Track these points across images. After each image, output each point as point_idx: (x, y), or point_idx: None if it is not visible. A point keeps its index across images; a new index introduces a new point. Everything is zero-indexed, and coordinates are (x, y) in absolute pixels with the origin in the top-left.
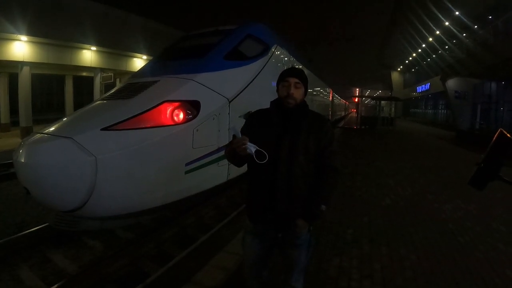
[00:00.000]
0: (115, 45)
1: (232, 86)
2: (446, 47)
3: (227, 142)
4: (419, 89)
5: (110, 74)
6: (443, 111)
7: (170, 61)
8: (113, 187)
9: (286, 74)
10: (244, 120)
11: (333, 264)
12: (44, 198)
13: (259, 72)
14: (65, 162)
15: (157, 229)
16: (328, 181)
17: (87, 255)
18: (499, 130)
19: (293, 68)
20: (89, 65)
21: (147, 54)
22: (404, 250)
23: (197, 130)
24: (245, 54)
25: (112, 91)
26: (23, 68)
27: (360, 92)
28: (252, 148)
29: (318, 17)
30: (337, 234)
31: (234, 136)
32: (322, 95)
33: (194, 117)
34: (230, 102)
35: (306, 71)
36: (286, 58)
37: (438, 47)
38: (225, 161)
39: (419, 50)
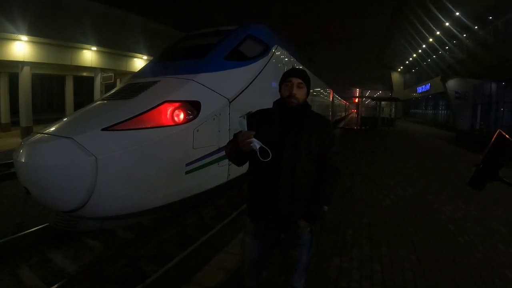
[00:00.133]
0: (116, 45)
1: (232, 87)
2: (446, 47)
3: (229, 141)
4: (419, 89)
5: (110, 74)
6: (443, 111)
7: (171, 61)
8: (113, 187)
9: (289, 74)
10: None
11: (333, 265)
12: (44, 198)
13: (259, 73)
14: (65, 162)
15: (157, 229)
16: (330, 181)
17: (87, 255)
18: (497, 131)
19: (296, 68)
20: (90, 65)
21: (148, 54)
22: (404, 250)
23: (197, 131)
24: (245, 54)
25: (113, 91)
26: (24, 68)
27: (360, 92)
28: (256, 144)
29: (318, 17)
30: (337, 234)
31: (236, 134)
32: (322, 96)
33: (195, 117)
34: (230, 102)
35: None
36: (286, 59)
37: (438, 47)
38: (226, 161)
39: (419, 51)
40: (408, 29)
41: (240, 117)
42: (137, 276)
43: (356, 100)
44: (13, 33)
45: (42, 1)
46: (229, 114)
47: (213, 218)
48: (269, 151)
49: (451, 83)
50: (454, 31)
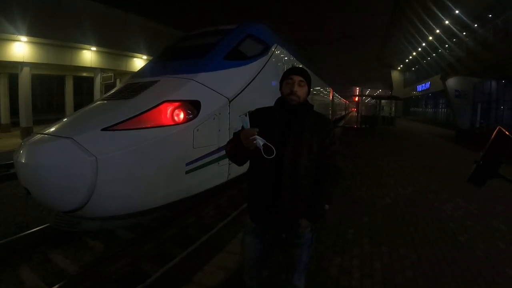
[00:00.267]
0: (115, 45)
1: (232, 86)
2: (446, 46)
3: (229, 140)
4: (419, 88)
5: (110, 74)
6: (443, 110)
7: (170, 61)
8: (113, 187)
9: (290, 72)
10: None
11: (334, 263)
12: (44, 199)
13: (259, 72)
14: (65, 162)
15: (157, 229)
16: (330, 180)
17: (88, 255)
18: (497, 128)
19: (297, 67)
20: (89, 66)
21: (147, 54)
22: (404, 249)
23: (197, 130)
24: (245, 53)
25: (112, 91)
26: (23, 68)
27: (360, 91)
28: (260, 141)
29: (318, 16)
30: (338, 233)
31: (236, 133)
32: (322, 94)
33: (195, 117)
34: (230, 101)
35: None
36: (286, 58)
37: (438, 46)
38: (226, 161)
39: (419, 49)
40: (408, 27)
41: (241, 115)
42: (138, 276)
43: (356, 99)
44: (13, 34)
45: (41, 1)
46: (229, 113)
47: (213, 217)
48: (273, 148)
49: (451, 82)
50: (454, 29)
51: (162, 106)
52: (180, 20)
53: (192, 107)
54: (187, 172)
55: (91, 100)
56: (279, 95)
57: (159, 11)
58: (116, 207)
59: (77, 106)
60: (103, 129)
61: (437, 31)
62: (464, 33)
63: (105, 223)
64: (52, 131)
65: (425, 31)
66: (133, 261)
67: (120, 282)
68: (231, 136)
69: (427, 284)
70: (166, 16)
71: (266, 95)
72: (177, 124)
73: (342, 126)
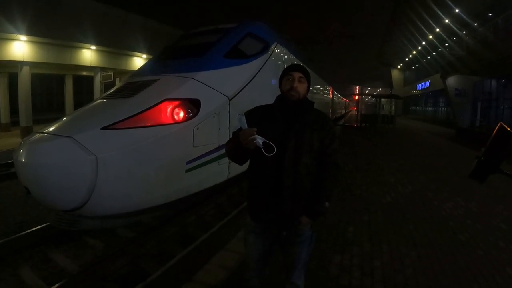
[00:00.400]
0: (115, 44)
1: (232, 85)
2: (446, 44)
3: (228, 139)
4: (419, 86)
5: (110, 73)
6: (443, 108)
7: (170, 59)
8: (113, 186)
9: (290, 69)
10: None
11: (334, 262)
12: (44, 198)
13: (259, 70)
14: (65, 161)
15: (157, 228)
16: (331, 178)
17: (88, 254)
18: (499, 123)
19: (296, 64)
20: (89, 65)
21: (147, 53)
22: (404, 247)
23: (197, 129)
24: (245, 52)
25: (112, 90)
26: (23, 67)
27: (360, 90)
28: (259, 140)
29: (318, 16)
30: (338, 232)
31: (235, 132)
32: (322, 93)
33: (195, 115)
34: (230, 100)
35: None
36: (286, 56)
37: (438, 44)
38: (226, 160)
39: (419, 48)
40: (408, 26)
41: (238, 114)
42: (138, 275)
43: (356, 98)
44: (13, 33)
45: (41, 1)
46: (229, 112)
47: (213, 216)
48: (273, 145)
49: (451, 80)
50: (454, 28)
51: (162, 105)
52: (180, 19)
53: (192, 105)
54: (187, 171)
55: (91, 99)
56: (279, 93)
57: (159, 11)
58: (116, 206)
59: (77, 105)
60: (103, 128)
61: (437, 29)
62: (464, 32)
63: (105, 222)
64: (52, 130)
65: (425, 30)
66: (133, 260)
67: (120, 281)
68: (231, 135)
69: (427, 282)
70: (166, 16)
71: (266, 93)
72: (177, 122)
73: (342, 125)
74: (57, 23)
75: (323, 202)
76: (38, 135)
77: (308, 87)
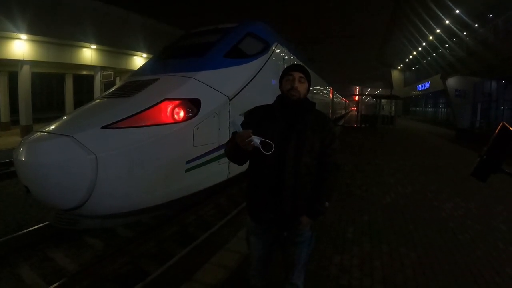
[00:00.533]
0: (115, 44)
1: (232, 84)
2: (447, 45)
3: (228, 140)
4: (419, 87)
5: (110, 72)
6: (443, 109)
7: (171, 59)
8: (113, 186)
9: (291, 69)
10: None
11: (334, 262)
12: (44, 197)
13: (259, 70)
14: (65, 160)
15: (157, 228)
16: (330, 178)
17: (88, 253)
18: (501, 123)
19: (297, 64)
20: (89, 64)
21: (147, 52)
22: (404, 248)
23: (197, 128)
24: (245, 52)
25: (112, 89)
26: (23, 66)
27: (360, 90)
28: (257, 140)
29: (318, 16)
30: (338, 232)
31: (234, 132)
32: (322, 93)
33: (195, 115)
34: (230, 100)
35: None
36: (286, 56)
37: (438, 45)
38: (226, 159)
39: (420, 49)
40: (408, 27)
41: (231, 120)
42: (138, 274)
43: (356, 98)
44: (13, 32)
45: (42, 0)
46: (229, 111)
47: (213, 216)
48: (271, 143)
49: (451, 81)
50: (454, 29)
51: (162, 104)
52: (180, 19)
53: (192, 105)
54: (187, 171)
55: (91, 98)
56: (280, 93)
57: (159, 10)
58: (116, 205)
59: (77, 104)
60: (103, 127)
61: (437, 30)
62: (465, 33)
63: (105, 221)
64: (52, 129)
65: (425, 31)
66: (133, 259)
67: (120, 280)
68: (231, 135)
69: (427, 283)
70: (166, 15)
71: (267, 93)
72: (177, 122)
73: (342, 125)
74: (57, 22)
75: (323, 202)
76: (38, 134)
77: (309, 87)
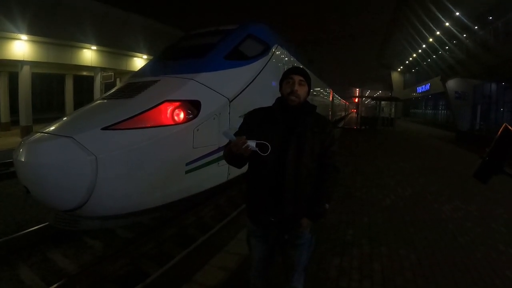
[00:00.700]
0: (115, 45)
1: (232, 86)
2: (446, 47)
3: (226, 143)
4: (419, 89)
5: (110, 73)
6: (443, 111)
7: (171, 60)
8: (113, 187)
9: (291, 72)
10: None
11: (334, 264)
12: (44, 197)
13: (259, 72)
14: (65, 161)
15: (157, 229)
16: (330, 180)
17: (87, 254)
18: (504, 125)
19: (297, 66)
20: (89, 65)
21: (148, 53)
22: (404, 250)
23: (197, 130)
24: (245, 54)
25: (113, 90)
26: (23, 67)
27: (360, 92)
28: (252, 144)
29: (318, 17)
30: (338, 234)
31: (229, 142)
32: (322, 95)
33: (195, 116)
34: (230, 102)
35: None
36: (286, 58)
37: (438, 47)
38: None
39: (419, 51)
40: (408, 28)
41: (222, 131)
42: (137, 276)
43: (356, 100)
44: (13, 32)
45: (42, 0)
46: (229, 113)
47: (213, 217)
48: (267, 144)
49: (451, 83)
50: (454, 31)
51: (162, 106)
52: (180, 20)
53: (192, 107)
54: (187, 172)
55: (91, 99)
56: (280, 95)
57: (159, 11)
58: (115, 206)
59: (77, 105)
60: (103, 128)
61: (437, 32)
62: (464, 35)
63: (104, 222)
64: (52, 130)
65: (425, 33)
66: (132, 260)
67: (119, 281)
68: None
69: (427, 285)
70: (166, 16)
71: (267, 95)
72: (177, 124)
73: (342, 127)
74: (58, 22)
75: (323, 204)
76: (38, 134)
77: (309, 89)
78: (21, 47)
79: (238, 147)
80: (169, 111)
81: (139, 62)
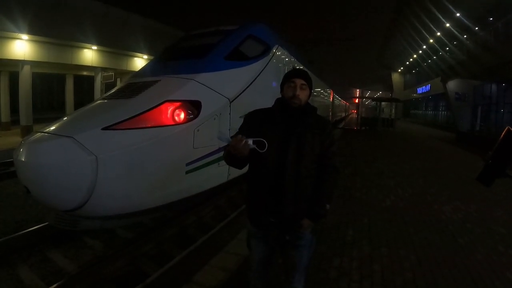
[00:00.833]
0: (116, 45)
1: (233, 86)
2: (447, 48)
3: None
4: (420, 90)
5: (110, 73)
6: (443, 112)
7: (171, 61)
8: (113, 187)
9: (293, 75)
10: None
11: (334, 265)
12: (44, 197)
13: (260, 73)
14: (65, 161)
15: (157, 229)
16: (330, 180)
17: (87, 254)
18: (506, 128)
19: (299, 69)
20: (90, 64)
21: (148, 53)
22: (404, 251)
23: (198, 130)
24: (246, 54)
25: (113, 90)
26: (24, 67)
27: (361, 93)
28: (250, 141)
29: (318, 17)
30: (338, 235)
31: (227, 145)
32: (323, 96)
33: (195, 117)
34: (231, 102)
35: None
36: (287, 59)
37: (438, 48)
38: None
39: (420, 52)
40: (408, 29)
41: (217, 135)
42: (137, 276)
43: (356, 101)
44: (14, 32)
45: (42, 0)
46: (230, 114)
47: (213, 218)
48: (263, 140)
49: (452, 84)
50: (455, 32)
51: (162, 106)
52: (181, 20)
53: (193, 107)
54: (187, 172)
55: (91, 99)
56: (280, 96)
57: (159, 11)
58: (116, 207)
59: (78, 105)
60: (104, 128)
61: (438, 33)
62: (465, 36)
63: (105, 222)
64: (53, 129)
65: (425, 33)
66: (132, 260)
67: (119, 281)
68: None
69: (426, 286)
70: (166, 16)
71: (267, 96)
72: (178, 124)
73: (342, 128)
74: (58, 22)
75: (324, 205)
76: (39, 134)
77: (310, 92)
78: (22, 47)
79: (237, 147)
80: (169, 111)
81: (139, 62)
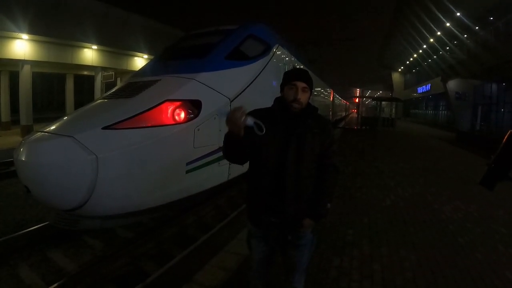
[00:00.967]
0: (116, 44)
1: (233, 86)
2: (447, 48)
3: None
4: (420, 90)
5: (111, 73)
6: (443, 112)
7: (172, 60)
8: (113, 186)
9: (294, 78)
10: None
11: (334, 265)
12: (44, 197)
13: (260, 72)
14: (65, 160)
15: (157, 229)
16: (331, 180)
17: (87, 254)
18: (509, 132)
19: (299, 70)
20: (90, 64)
21: (148, 53)
22: (404, 251)
23: (198, 130)
24: (246, 54)
25: (113, 90)
26: (24, 66)
27: (361, 92)
28: (250, 120)
29: (318, 17)
30: (338, 234)
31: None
32: (323, 95)
33: (195, 116)
34: (231, 101)
35: None
36: (287, 58)
37: (439, 48)
38: (226, 161)
39: (420, 51)
40: (408, 29)
41: (218, 113)
42: (138, 275)
43: (357, 100)
44: (14, 32)
45: (42, 0)
46: None
47: (213, 217)
48: (262, 124)
49: (452, 84)
50: (455, 31)
51: (163, 105)
52: (180, 20)
53: (193, 106)
54: (187, 172)
55: (91, 98)
56: (279, 95)
57: (159, 11)
58: (116, 206)
59: (78, 104)
60: (104, 128)
61: (438, 33)
62: (465, 35)
63: (105, 222)
64: (53, 129)
65: (425, 33)
66: (133, 260)
67: (119, 281)
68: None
69: (427, 286)
70: (166, 16)
71: (268, 95)
72: (178, 123)
73: (342, 127)
74: (58, 22)
75: (324, 204)
76: (39, 134)
77: (311, 94)
78: (22, 47)
79: (237, 116)
80: (169, 110)
81: (139, 61)
